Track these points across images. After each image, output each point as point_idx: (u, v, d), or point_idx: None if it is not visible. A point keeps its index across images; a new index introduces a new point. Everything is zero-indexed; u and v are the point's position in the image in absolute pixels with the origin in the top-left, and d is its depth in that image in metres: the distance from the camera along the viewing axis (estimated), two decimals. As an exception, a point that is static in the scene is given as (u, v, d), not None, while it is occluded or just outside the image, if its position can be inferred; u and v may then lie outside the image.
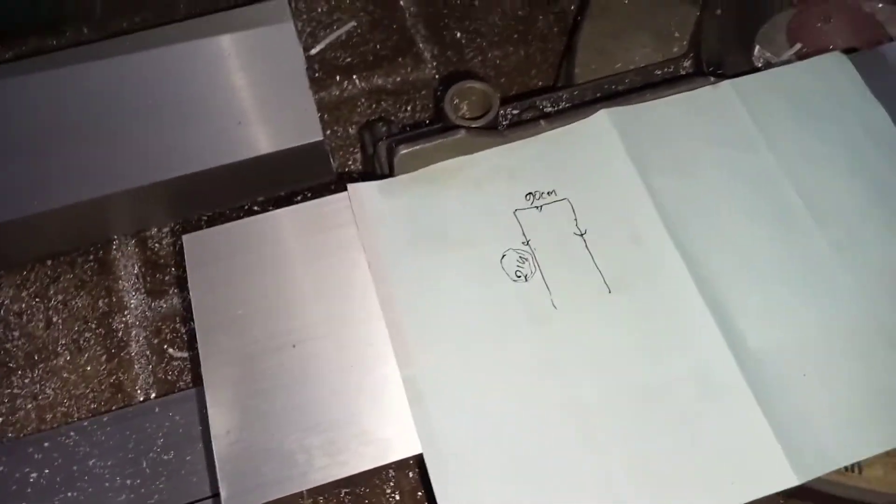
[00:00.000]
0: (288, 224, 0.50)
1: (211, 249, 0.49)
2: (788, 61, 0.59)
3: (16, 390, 0.61)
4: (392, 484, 0.57)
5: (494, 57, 0.75)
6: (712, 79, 0.54)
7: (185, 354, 0.62)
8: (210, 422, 0.44)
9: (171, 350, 0.62)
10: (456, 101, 0.51)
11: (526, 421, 0.44)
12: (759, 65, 0.59)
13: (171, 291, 0.65)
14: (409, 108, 0.72)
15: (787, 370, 0.45)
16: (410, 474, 0.56)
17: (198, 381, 0.58)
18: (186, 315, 0.63)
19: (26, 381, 0.61)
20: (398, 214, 0.49)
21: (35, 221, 0.59)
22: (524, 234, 0.49)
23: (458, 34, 0.76)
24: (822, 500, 0.50)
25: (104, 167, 0.60)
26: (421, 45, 0.76)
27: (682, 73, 0.60)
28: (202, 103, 0.62)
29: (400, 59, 0.74)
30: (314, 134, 0.61)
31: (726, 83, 0.55)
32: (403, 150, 0.50)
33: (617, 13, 0.66)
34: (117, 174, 0.60)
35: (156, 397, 0.60)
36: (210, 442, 0.44)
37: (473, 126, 0.51)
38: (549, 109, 0.56)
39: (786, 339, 0.47)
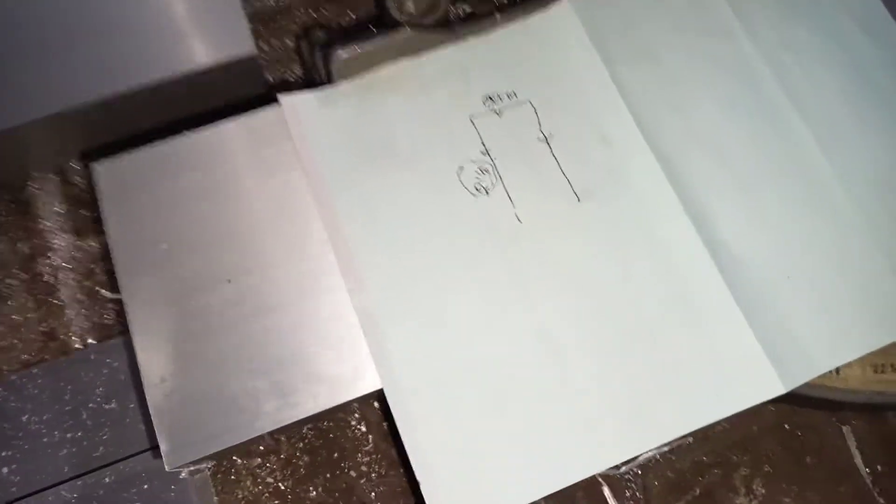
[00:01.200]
0: (214, 145, 0.44)
1: (128, 178, 0.43)
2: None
3: (-67, 345, 0.55)
4: (357, 416, 0.53)
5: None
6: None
7: (120, 296, 0.57)
8: (141, 370, 0.39)
9: (104, 291, 0.57)
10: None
11: (492, 347, 0.40)
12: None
13: (100, 229, 0.59)
14: (353, 15, 0.64)
15: (770, 275, 0.42)
16: (376, 404, 0.53)
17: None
18: (119, 253, 0.58)
19: (-56, 334, 0.56)
20: (339, 127, 0.44)
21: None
22: (483, 143, 0.44)
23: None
24: (800, 402, 0.48)
25: (9, 94, 0.53)
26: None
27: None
28: (114, 15, 0.55)
29: (337, -43, 0.66)
30: (245, 46, 0.54)
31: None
32: (342, 54, 0.44)
33: None
34: (24, 102, 0.53)
35: (100, 341, 0.55)
36: (144, 391, 0.40)
37: (420, 23, 0.44)
38: (504, 1, 0.50)
39: (769, 243, 0.43)
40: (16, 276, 0.57)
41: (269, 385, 0.39)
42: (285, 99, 0.44)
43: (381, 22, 0.51)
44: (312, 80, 0.53)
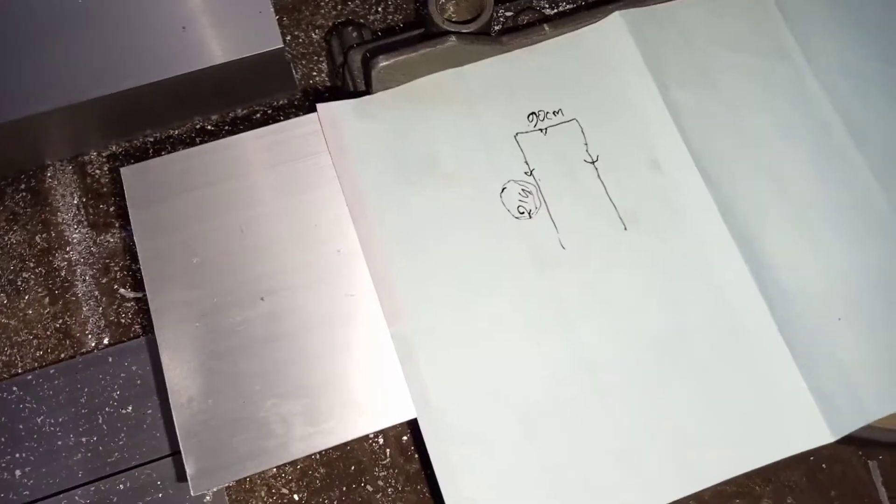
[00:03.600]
0: (248, 152, 0.42)
1: (158, 183, 0.41)
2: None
3: (-60, 335, 0.54)
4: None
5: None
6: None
7: (139, 295, 0.55)
8: (168, 389, 0.38)
9: (122, 290, 0.56)
10: (442, 2, 0.43)
11: (530, 375, 0.39)
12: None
13: (117, 224, 0.57)
14: (380, 10, 0.62)
15: (822, 313, 0.41)
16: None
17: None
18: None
19: (-48, 326, 0.54)
20: (378, 140, 0.42)
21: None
22: (527, 163, 0.42)
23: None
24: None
25: (32, 82, 0.51)
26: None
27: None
28: (140, 6, 0.53)
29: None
30: (272, 40, 0.52)
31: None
32: (383, 62, 0.42)
33: None
34: (47, 90, 0.51)
35: (110, 343, 0.54)
36: (167, 397, 0.38)
37: (464, 32, 0.42)
38: (550, 11, 0.48)
39: (821, 279, 0.42)
40: (31, 269, 0.56)
41: (301, 409, 0.38)
42: (323, 107, 0.43)
43: (419, 25, 0.49)
44: (342, 78, 0.51)
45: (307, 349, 0.39)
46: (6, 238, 0.56)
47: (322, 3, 0.63)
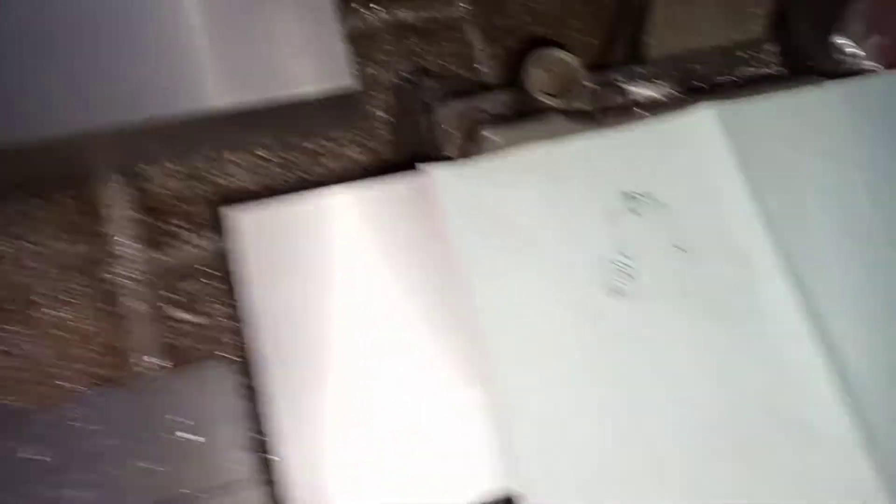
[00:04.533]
0: (352, 207, 0.43)
1: (261, 231, 0.42)
2: (865, 56, 0.56)
3: (-6, 343, 0.53)
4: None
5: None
6: (818, 78, 0.50)
7: (192, 318, 0.56)
8: (281, 461, 0.38)
9: (177, 312, 0.56)
10: (537, 71, 0.45)
11: (631, 456, 0.41)
12: (840, 57, 0.56)
13: (172, 242, 0.57)
14: (441, 53, 0.64)
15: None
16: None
17: (213, 351, 0.53)
18: (191, 272, 0.56)
19: (5, 333, 0.53)
20: (478, 208, 0.44)
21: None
22: (619, 243, 0.45)
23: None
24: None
25: (96, 97, 0.50)
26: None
27: (764, 57, 0.55)
28: (209, 30, 0.52)
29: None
30: (346, 78, 0.53)
31: (835, 87, 0.50)
32: (490, 135, 0.44)
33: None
34: (111, 106, 0.50)
35: (163, 364, 0.54)
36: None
37: (561, 108, 0.45)
38: (631, 87, 0.51)
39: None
40: (78, 281, 0.55)
41: (397, 472, 0.39)
42: (434, 172, 0.44)
43: (508, 83, 0.50)
44: (414, 127, 0.53)
45: (403, 415, 0.40)
46: (63, 249, 0.56)
47: (378, 38, 0.64)
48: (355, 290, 0.41)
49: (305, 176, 0.59)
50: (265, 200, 0.45)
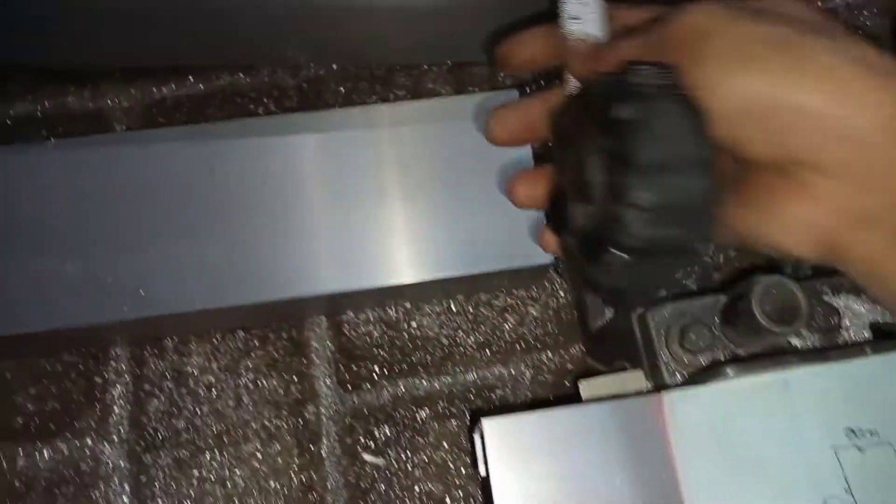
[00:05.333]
0: (593, 422, 0.45)
1: (510, 440, 0.45)
2: None
3: (204, 472, 0.59)
4: None
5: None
6: None
7: (379, 462, 0.59)
8: None
9: (365, 454, 0.60)
10: (762, 291, 0.45)
11: None
12: None
13: (364, 386, 0.62)
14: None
15: None
16: None
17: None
18: (379, 416, 0.61)
19: (215, 464, 0.59)
20: (711, 433, 0.44)
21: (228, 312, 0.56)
22: (846, 481, 0.43)
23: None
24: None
25: (313, 269, 0.56)
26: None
27: None
28: (405, 209, 0.57)
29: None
30: (542, 256, 0.56)
31: None
32: (730, 373, 0.45)
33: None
34: (318, 278, 0.56)
35: (349, 505, 0.58)
36: None
37: (788, 334, 0.45)
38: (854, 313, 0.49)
39: None
40: (284, 417, 0.61)
41: None
42: (669, 396, 0.45)
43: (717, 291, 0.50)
44: (593, 328, 0.55)
45: None
46: (264, 382, 0.62)
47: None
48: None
49: (492, 334, 0.63)
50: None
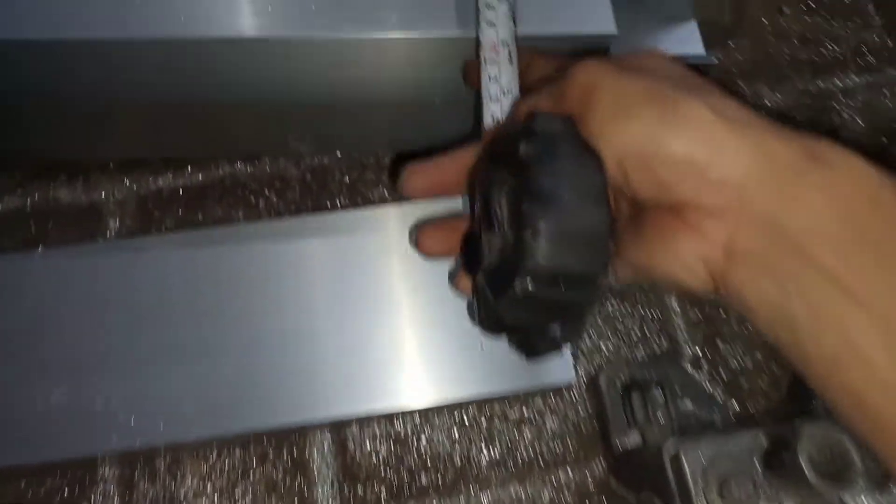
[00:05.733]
0: None
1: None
2: None
3: None
4: None
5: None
6: None
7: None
8: None
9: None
10: (809, 453, 0.41)
11: None
12: None
13: (373, 509, 0.57)
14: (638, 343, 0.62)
15: None
16: None
17: None
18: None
19: None
20: None
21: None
22: None
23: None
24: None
25: (315, 395, 0.52)
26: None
27: None
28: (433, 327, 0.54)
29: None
30: (567, 373, 0.53)
31: None
32: None
33: None
34: (322, 403, 0.52)
35: None
36: None
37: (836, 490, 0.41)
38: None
39: None
40: (284, 543, 0.56)
41: None
42: None
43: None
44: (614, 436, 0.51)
45: None
46: (262, 505, 0.57)
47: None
48: None
49: (507, 450, 0.59)
50: None
